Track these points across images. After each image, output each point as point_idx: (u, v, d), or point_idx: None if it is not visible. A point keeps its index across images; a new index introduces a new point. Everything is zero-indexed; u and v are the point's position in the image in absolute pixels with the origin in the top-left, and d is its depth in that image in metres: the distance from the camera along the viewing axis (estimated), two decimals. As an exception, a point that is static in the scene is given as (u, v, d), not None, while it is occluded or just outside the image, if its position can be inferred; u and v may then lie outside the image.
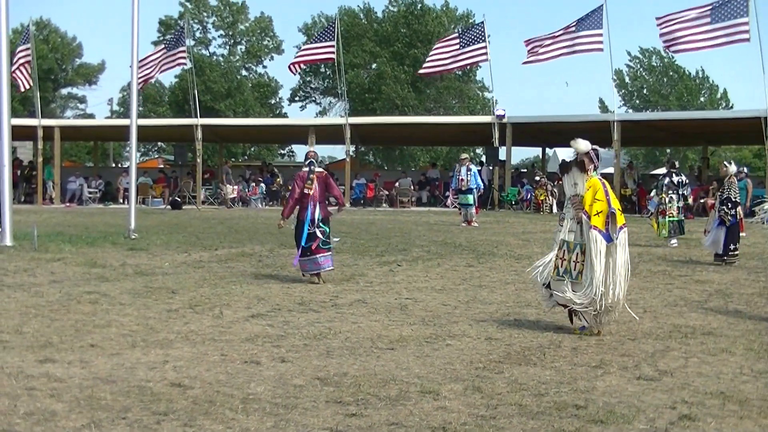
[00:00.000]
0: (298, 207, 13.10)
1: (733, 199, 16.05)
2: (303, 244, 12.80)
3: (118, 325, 9.14)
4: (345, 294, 11.67)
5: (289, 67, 40.65)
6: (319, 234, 12.81)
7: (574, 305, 8.99)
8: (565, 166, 9.44)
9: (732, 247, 15.89)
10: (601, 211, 8.96)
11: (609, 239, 8.95)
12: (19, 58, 37.73)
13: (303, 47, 39.67)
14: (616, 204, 9.14)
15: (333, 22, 39.98)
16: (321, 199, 13.07)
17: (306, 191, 12.94)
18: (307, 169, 13.16)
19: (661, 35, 32.81)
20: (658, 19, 32.42)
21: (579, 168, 9.17)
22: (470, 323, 9.59)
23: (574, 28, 34.82)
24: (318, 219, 12.89)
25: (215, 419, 5.86)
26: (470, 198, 25.83)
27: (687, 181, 20.23)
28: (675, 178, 19.58)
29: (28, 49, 38.45)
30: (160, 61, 38.42)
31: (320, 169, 13.37)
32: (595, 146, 9.32)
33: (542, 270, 9.36)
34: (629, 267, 9.22)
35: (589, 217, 8.95)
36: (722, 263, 15.72)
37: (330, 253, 13.09)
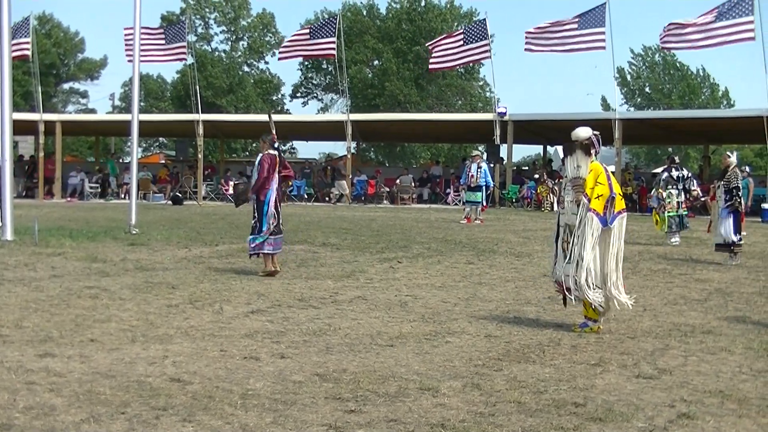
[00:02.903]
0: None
1: (739, 186, 16.05)
2: (264, 226, 13.17)
3: (118, 320, 9.15)
4: (345, 290, 11.67)
5: (279, 57, 40.94)
6: (275, 218, 13.22)
7: (586, 292, 8.97)
8: (569, 148, 9.40)
9: (738, 237, 15.86)
10: (601, 195, 8.99)
11: (604, 223, 8.99)
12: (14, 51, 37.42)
13: (297, 39, 39.43)
14: (617, 189, 9.18)
15: (334, 17, 39.94)
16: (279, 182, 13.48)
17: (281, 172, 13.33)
18: (275, 152, 13.44)
19: (662, 37, 32.98)
20: (666, 27, 32.65)
21: (583, 150, 9.15)
22: (470, 320, 9.59)
23: (576, 25, 34.81)
24: (276, 202, 13.29)
25: (214, 414, 5.86)
26: (479, 195, 25.86)
27: (689, 175, 20.02)
28: (675, 173, 19.47)
29: (26, 42, 38.12)
30: (160, 50, 38.37)
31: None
32: (596, 132, 9.33)
33: (556, 263, 9.29)
34: (622, 254, 9.23)
35: (589, 200, 8.97)
36: (730, 253, 15.68)
37: (282, 236, 13.52)
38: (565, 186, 9.43)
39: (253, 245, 13.20)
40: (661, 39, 33.81)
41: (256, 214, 13.30)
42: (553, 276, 9.34)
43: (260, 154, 13.54)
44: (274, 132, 13.54)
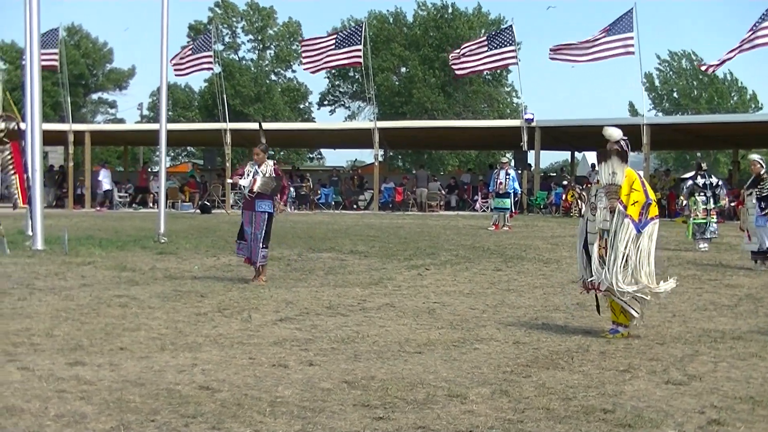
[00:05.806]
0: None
1: None
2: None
3: (148, 328, 9.19)
4: (373, 298, 11.67)
5: (306, 68, 40.89)
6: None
7: (621, 293, 8.94)
8: (604, 154, 9.31)
9: None
10: (637, 201, 8.96)
11: (638, 229, 8.95)
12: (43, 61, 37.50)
13: (321, 48, 39.27)
14: (652, 195, 9.15)
15: (360, 25, 39.99)
16: None
17: None
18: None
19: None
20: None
21: (620, 157, 9.10)
22: (498, 327, 9.57)
23: (604, 34, 34.74)
24: None
25: (243, 422, 5.88)
26: (507, 202, 25.81)
27: (719, 182, 19.73)
28: (700, 180, 19.28)
29: (55, 53, 38.32)
30: (188, 62, 38.70)
31: None
32: (624, 137, 9.29)
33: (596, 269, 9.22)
34: (653, 257, 9.18)
35: (625, 207, 8.94)
36: (765, 260, 15.48)
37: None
38: (597, 192, 9.35)
39: (263, 255, 13.43)
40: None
41: (265, 225, 13.65)
42: (590, 280, 9.23)
43: (268, 164, 13.73)
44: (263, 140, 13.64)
